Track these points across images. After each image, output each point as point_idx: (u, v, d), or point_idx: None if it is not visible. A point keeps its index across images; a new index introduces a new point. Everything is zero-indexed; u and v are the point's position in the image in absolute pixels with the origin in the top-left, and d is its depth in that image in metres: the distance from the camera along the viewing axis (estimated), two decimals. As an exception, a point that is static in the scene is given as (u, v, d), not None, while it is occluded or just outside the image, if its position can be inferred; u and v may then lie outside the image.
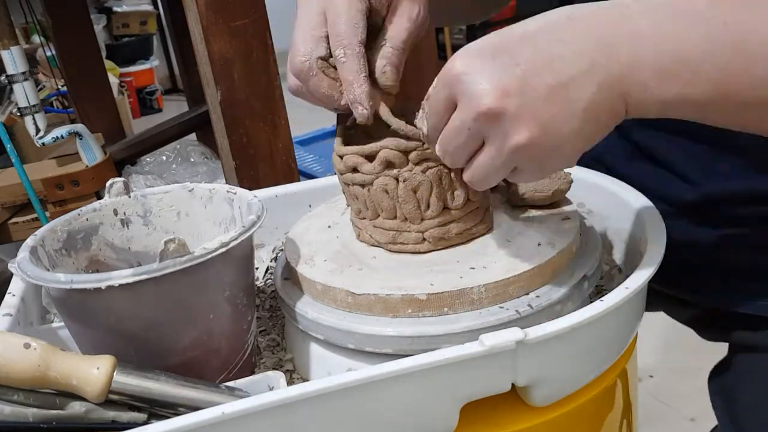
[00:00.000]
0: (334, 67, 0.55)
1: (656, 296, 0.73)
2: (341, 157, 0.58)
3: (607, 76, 0.44)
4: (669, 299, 0.76)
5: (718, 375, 0.70)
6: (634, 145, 0.73)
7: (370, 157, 0.56)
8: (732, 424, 0.65)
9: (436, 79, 0.49)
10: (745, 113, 0.46)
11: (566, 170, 0.61)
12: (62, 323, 0.59)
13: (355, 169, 0.57)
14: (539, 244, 0.56)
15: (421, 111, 0.51)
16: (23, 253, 0.54)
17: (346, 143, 0.59)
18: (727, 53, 0.44)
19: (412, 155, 0.55)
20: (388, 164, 0.56)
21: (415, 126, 0.54)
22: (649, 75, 0.44)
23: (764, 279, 0.66)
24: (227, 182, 1.21)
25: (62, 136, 1.41)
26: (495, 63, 0.45)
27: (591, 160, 0.79)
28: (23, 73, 1.35)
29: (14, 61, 1.34)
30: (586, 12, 0.46)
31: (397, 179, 0.56)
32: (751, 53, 0.44)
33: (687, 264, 0.66)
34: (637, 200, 0.64)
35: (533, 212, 0.61)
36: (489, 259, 0.55)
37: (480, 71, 0.45)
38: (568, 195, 0.63)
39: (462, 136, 0.47)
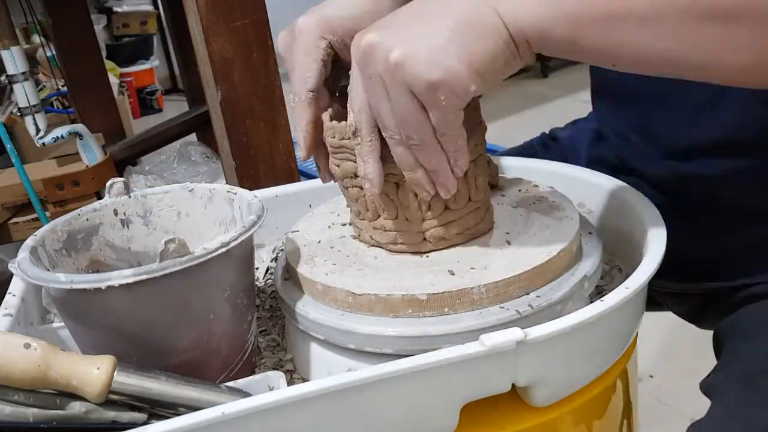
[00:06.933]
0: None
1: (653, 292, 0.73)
2: (338, 165, 0.58)
3: None
4: (664, 293, 0.75)
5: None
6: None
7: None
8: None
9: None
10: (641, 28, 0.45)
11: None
12: (62, 323, 0.59)
13: (354, 175, 0.57)
14: (539, 245, 0.56)
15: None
16: (23, 253, 0.54)
17: (338, 118, 0.58)
18: None
19: None
20: (388, 173, 0.55)
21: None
22: None
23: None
24: (227, 182, 1.21)
25: (62, 136, 1.41)
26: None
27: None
28: (23, 73, 1.35)
29: (14, 61, 1.34)
30: None
31: (397, 184, 0.56)
32: None
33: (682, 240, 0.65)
34: (637, 200, 0.64)
35: (534, 212, 0.61)
36: (489, 259, 0.55)
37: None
38: (569, 195, 0.63)
39: (371, 92, 0.50)
